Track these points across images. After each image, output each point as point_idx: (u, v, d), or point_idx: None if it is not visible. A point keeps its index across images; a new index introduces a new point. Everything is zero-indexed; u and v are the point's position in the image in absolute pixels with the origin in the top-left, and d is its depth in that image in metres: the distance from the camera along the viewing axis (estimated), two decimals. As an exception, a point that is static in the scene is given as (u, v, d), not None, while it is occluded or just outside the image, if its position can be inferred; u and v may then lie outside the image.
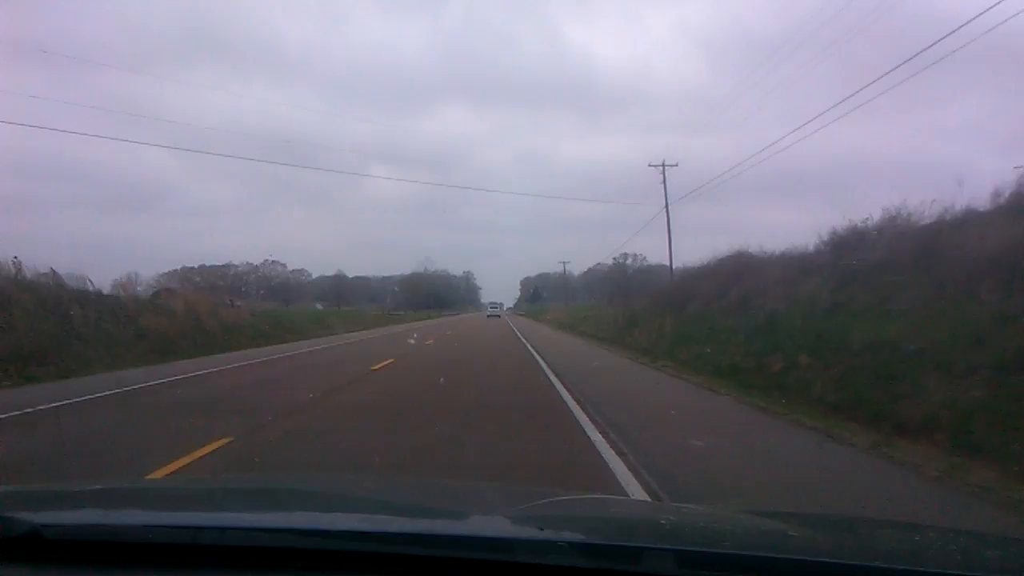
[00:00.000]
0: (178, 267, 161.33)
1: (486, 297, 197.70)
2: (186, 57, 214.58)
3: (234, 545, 1.62)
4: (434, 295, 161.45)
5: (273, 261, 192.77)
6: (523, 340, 35.31)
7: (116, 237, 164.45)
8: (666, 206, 45.01)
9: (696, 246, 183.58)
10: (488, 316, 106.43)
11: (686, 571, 1.49)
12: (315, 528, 1.81)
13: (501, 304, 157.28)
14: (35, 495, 2.46)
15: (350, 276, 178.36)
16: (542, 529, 1.78)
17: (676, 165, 45.21)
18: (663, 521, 2.27)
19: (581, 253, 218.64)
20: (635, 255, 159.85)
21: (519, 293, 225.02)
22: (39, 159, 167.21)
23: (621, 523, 2.22)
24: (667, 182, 44.53)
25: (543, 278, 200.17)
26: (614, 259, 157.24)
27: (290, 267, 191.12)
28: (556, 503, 2.44)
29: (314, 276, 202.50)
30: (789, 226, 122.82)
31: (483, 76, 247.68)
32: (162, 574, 1.57)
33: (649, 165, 45.87)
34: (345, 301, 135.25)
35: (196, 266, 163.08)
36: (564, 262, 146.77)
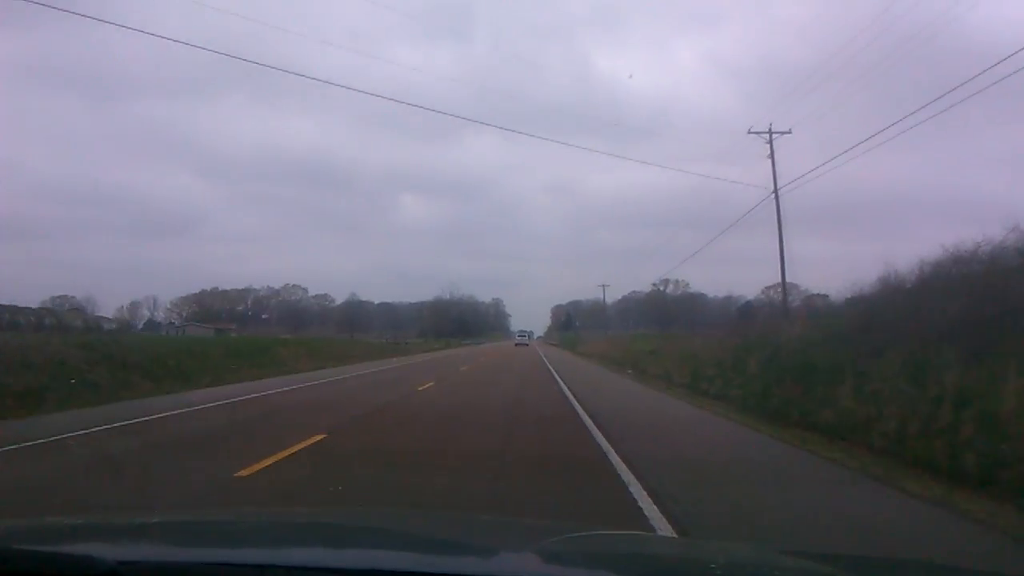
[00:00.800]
0: (196, 290, 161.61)
1: (515, 325, 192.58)
2: (215, 84, 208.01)
3: None
4: (459, 322, 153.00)
5: (294, 286, 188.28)
6: (568, 394, 20.82)
7: (140, 261, 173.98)
8: (775, 190, 33.66)
9: (745, 278, 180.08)
10: (516, 344, 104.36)
11: None
12: (372, 568, 1.84)
13: (530, 332, 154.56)
14: (110, 529, 2.48)
15: (376, 303, 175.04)
16: (551, 564, 1.88)
17: (789, 132, 34.06)
18: (673, 560, 2.21)
19: (613, 281, 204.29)
20: (676, 281, 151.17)
21: (550, 321, 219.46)
22: (64, 184, 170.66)
23: (631, 561, 2.18)
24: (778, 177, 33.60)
25: (575, 305, 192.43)
26: (653, 284, 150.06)
27: (312, 292, 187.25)
28: (576, 539, 2.46)
29: (338, 302, 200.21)
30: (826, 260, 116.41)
31: (512, 104, 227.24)
32: None
33: (749, 132, 34.63)
34: (361, 328, 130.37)
35: (209, 289, 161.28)
36: (604, 285, 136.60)
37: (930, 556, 5.03)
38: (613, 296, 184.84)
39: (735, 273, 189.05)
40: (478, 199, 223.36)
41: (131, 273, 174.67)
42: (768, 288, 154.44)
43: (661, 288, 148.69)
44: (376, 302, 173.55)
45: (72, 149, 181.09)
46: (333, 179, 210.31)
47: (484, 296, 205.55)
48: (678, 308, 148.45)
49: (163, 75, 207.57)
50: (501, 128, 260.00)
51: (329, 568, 1.86)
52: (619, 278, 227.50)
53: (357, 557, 2.07)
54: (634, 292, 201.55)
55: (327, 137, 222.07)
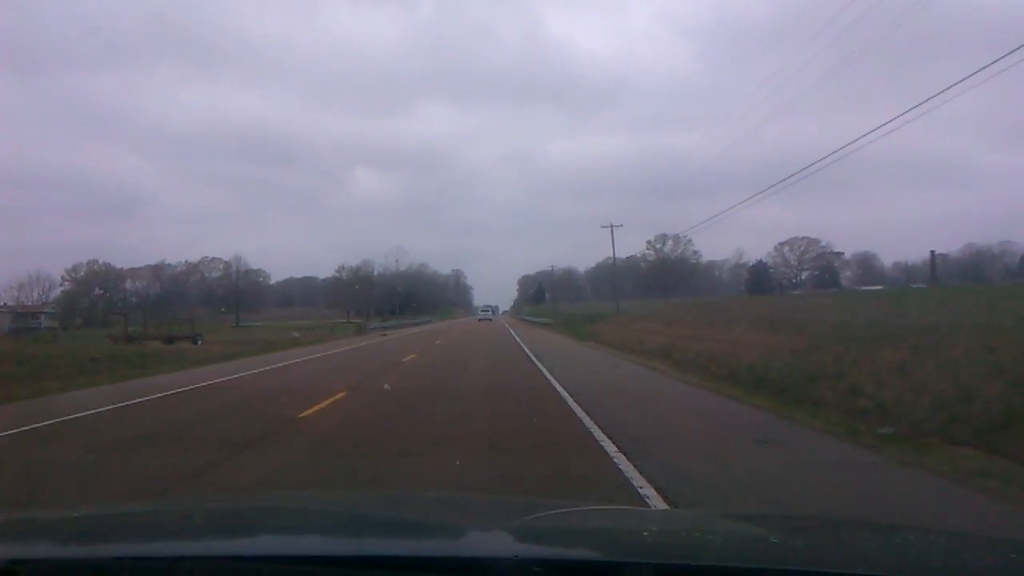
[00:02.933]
0: (83, 261, 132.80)
1: (479, 299, 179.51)
2: (149, 54, 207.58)
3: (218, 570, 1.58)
4: (408, 296, 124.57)
5: (213, 259, 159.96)
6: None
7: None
8: None
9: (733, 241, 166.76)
10: (480, 320, 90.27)
11: None
12: (288, 555, 1.77)
13: (495, 307, 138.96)
14: (10, 526, 2.33)
15: (321, 278, 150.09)
16: (524, 545, 1.82)
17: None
18: (647, 533, 2.20)
19: (580, 251, 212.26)
20: (675, 238, 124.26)
21: (516, 294, 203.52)
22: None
23: (606, 536, 2.18)
24: None
25: (546, 276, 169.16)
26: (648, 243, 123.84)
27: (246, 268, 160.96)
28: (543, 517, 2.39)
29: (277, 280, 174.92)
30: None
31: (463, 71, 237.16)
32: None
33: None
34: (291, 306, 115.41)
35: (86, 263, 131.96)
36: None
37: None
38: (585, 264, 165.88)
39: (723, 237, 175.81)
40: (434, 172, 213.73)
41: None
42: (782, 245, 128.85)
43: (658, 247, 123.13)
44: (322, 278, 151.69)
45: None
46: (281, 154, 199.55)
47: (445, 270, 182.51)
48: (677, 272, 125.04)
49: (92, 44, 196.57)
50: (455, 94, 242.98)
51: (242, 557, 1.75)
52: (586, 248, 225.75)
53: (280, 544, 1.98)
54: (608, 259, 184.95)
55: (272, 110, 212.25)
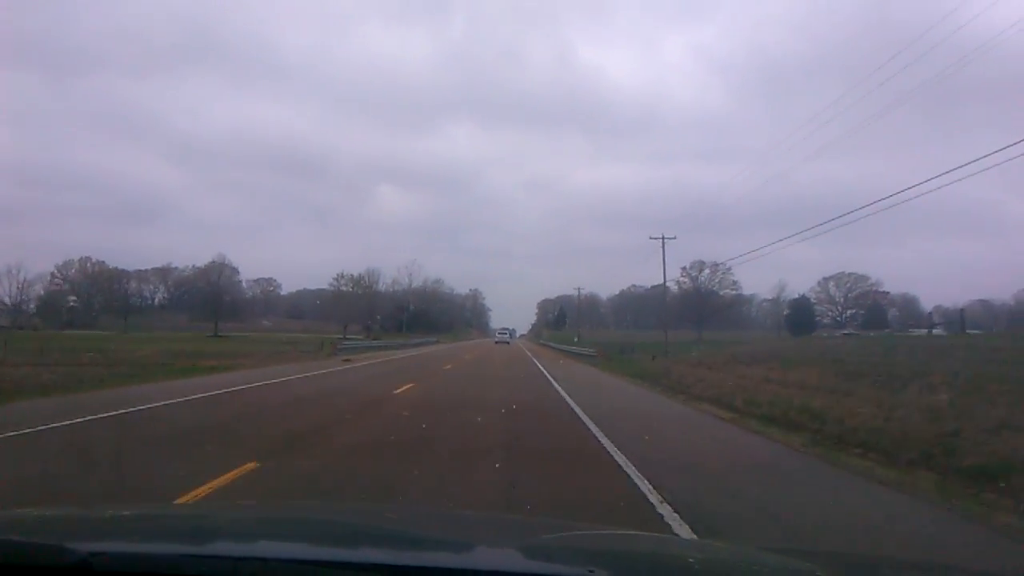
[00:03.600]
0: (75, 258, 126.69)
1: (496, 321, 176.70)
2: (182, 66, 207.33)
3: None
4: (421, 314, 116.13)
5: (220, 264, 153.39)
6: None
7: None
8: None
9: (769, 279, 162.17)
10: (496, 342, 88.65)
11: None
12: (349, 561, 1.84)
13: (513, 331, 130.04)
14: (82, 521, 2.46)
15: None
16: (549, 562, 1.88)
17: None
18: (690, 559, 2.19)
19: (601, 279, 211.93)
20: (714, 266, 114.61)
21: (535, 317, 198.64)
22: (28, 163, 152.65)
23: (635, 559, 2.17)
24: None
25: (567, 301, 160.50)
26: (683, 269, 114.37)
27: (255, 276, 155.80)
28: (568, 537, 2.45)
29: (288, 291, 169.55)
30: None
31: (491, 94, 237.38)
32: None
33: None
34: (299, 317, 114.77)
35: (77, 260, 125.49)
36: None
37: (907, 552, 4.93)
38: (607, 292, 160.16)
39: (751, 273, 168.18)
40: (457, 193, 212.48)
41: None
42: (827, 280, 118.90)
43: (694, 275, 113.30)
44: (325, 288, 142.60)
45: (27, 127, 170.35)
46: (304, 167, 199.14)
47: (462, 289, 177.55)
48: (713, 304, 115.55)
49: (127, 52, 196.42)
50: (482, 117, 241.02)
51: (301, 560, 1.84)
52: (606, 276, 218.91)
53: (331, 552, 2.03)
54: (633, 287, 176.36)
55: (298, 123, 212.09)
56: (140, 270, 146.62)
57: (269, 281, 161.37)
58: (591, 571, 1.73)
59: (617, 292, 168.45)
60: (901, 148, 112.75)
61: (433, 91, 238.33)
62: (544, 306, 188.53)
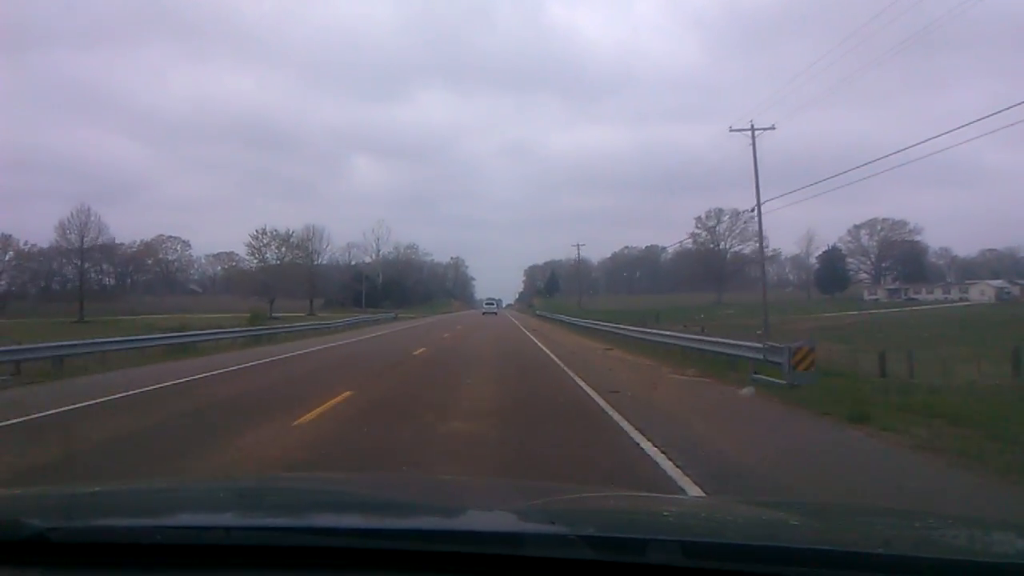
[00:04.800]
0: None
1: (481, 291, 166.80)
2: (135, 33, 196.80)
3: (240, 544, 1.61)
4: (392, 285, 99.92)
5: (170, 238, 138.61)
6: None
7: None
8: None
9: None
10: (484, 313, 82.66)
11: (692, 561, 1.50)
12: (323, 527, 1.82)
13: (499, 300, 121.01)
14: (42, 498, 2.41)
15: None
16: (552, 523, 1.83)
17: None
18: (667, 513, 2.28)
19: (589, 242, 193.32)
20: (735, 213, 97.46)
21: (521, 286, 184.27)
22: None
23: (629, 517, 2.22)
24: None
25: (558, 266, 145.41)
26: (697, 219, 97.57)
27: (216, 251, 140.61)
28: (565, 500, 2.47)
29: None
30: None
31: (461, 57, 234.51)
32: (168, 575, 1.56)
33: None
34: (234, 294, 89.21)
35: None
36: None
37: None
38: (596, 256, 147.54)
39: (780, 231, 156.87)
40: (433, 162, 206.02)
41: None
42: (859, 228, 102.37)
43: (711, 225, 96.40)
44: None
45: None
46: (273, 140, 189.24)
47: (443, 258, 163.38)
48: (735, 261, 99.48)
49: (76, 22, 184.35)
50: (454, 81, 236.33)
51: (265, 528, 1.79)
52: (593, 240, 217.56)
53: (297, 520, 2.00)
54: (627, 248, 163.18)
55: (264, 94, 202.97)
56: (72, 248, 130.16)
57: (230, 256, 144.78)
58: (552, 521, 1.78)
59: (609, 255, 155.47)
60: (885, 99, 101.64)
61: (401, 55, 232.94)
62: (532, 273, 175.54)
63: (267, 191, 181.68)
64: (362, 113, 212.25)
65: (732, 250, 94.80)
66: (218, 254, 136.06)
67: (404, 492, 2.73)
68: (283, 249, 74.64)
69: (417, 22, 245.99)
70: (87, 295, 71.04)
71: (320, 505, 2.24)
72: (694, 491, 5.51)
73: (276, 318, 49.61)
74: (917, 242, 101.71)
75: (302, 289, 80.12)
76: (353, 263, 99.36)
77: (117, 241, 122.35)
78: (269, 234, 77.37)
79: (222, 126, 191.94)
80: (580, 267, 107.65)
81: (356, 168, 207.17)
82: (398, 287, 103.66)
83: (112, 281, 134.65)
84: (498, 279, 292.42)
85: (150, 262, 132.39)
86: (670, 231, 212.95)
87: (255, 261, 73.93)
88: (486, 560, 1.54)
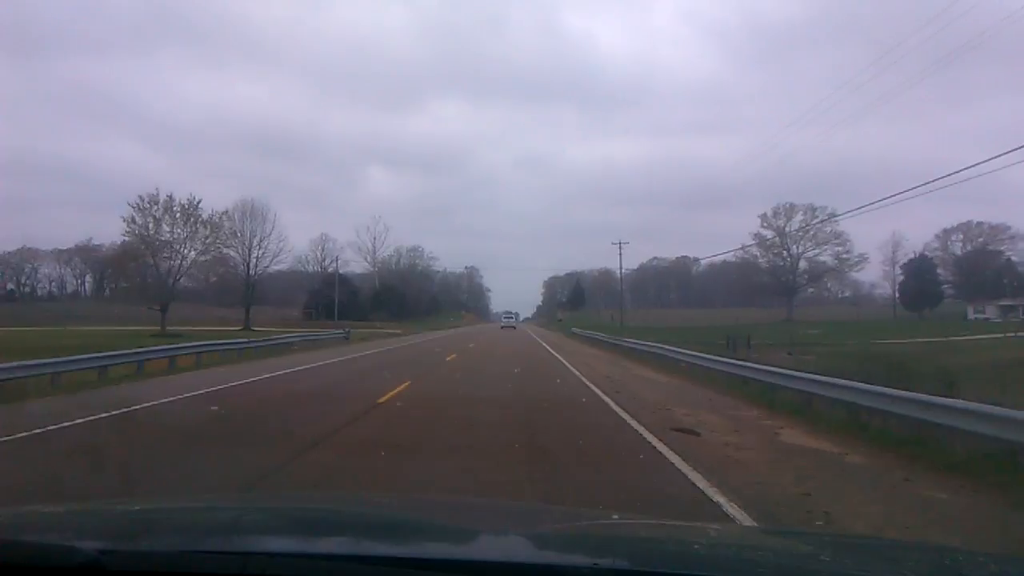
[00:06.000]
0: None
1: (497, 303, 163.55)
2: (150, 41, 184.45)
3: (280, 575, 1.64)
4: (389, 295, 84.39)
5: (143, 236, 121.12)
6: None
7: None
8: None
9: None
10: (502, 327, 75.75)
11: None
12: (355, 554, 1.85)
13: (516, 314, 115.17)
14: (93, 517, 2.42)
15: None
16: (577, 553, 1.86)
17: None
18: (697, 546, 2.21)
19: (610, 255, 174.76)
20: (810, 209, 79.72)
21: (540, 299, 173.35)
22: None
23: (658, 546, 2.19)
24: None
25: (583, 278, 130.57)
26: (762, 216, 80.00)
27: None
28: (591, 526, 2.51)
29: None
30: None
31: (476, 67, 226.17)
32: None
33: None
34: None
35: None
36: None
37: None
38: (621, 267, 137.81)
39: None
40: (451, 173, 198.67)
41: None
42: (948, 232, 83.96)
43: (779, 224, 78.52)
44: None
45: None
46: (289, 149, 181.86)
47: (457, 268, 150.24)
48: (811, 271, 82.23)
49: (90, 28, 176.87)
50: (469, 92, 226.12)
51: (306, 555, 1.81)
52: (613, 253, 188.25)
53: (337, 545, 2.03)
54: (655, 259, 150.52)
55: (280, 103, 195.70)
56: (58, 249, 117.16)
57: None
58: (595, 564, 1.71)
59: (636, 267, 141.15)
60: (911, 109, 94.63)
61: (416, 65, 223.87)
62: (552, 285, 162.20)
63: (281, 201, 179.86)
64: (377, 123, 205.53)
65: (805, 255, 77.99)
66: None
67: (428, 515, 2.69)
68: (193, 227, 49.54)
69: (432, 32, 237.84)
70: None
71: (355, 530, 2.23)
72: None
73: (173, 334, 34.27)
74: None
75: (234, 294, 62.65)
76: (329, 268, 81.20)
77: (95, 242, 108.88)
78: (164, 204, 48.48)
79: (235, 135, 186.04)
80: (617, 276, 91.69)
81: (370, 178, 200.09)
82: (398, 295, 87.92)
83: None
84: (514, 292, 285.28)
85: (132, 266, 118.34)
86: (695, 244, 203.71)
87: (141, 247, 49.00)
88: None
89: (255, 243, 61.12)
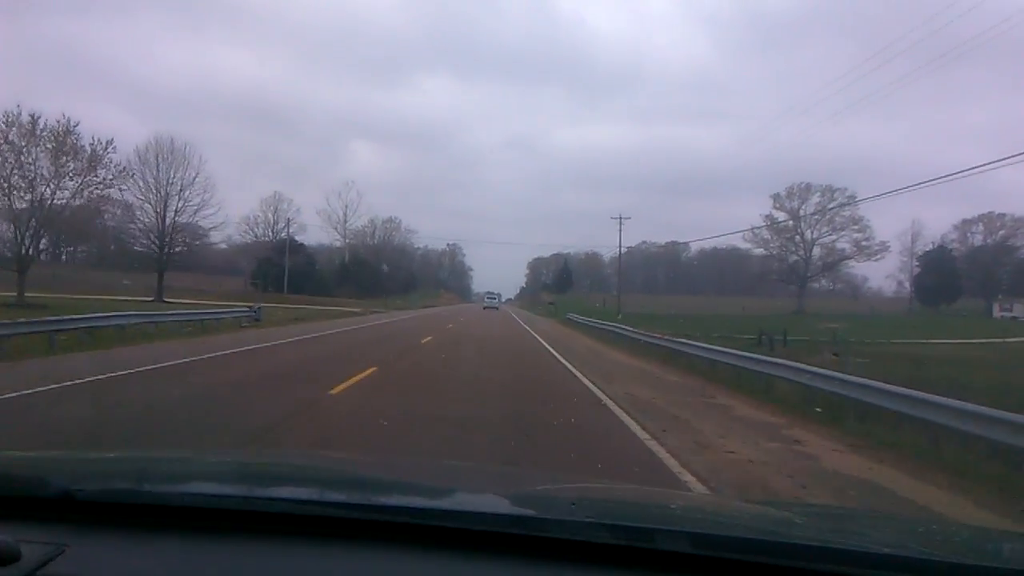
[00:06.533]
0: None
1: (480, 283, 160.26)
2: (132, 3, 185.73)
3: (269, 511, 1.61)
4: (358, 269, 76.85)
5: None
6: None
7: None
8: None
9: None
10: (485, 308, 74.52)
11: (700, 550, 1.52)
12: (336, 501, 1.83)
13: (499, 295, 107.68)
14: (67, 461, 2.43)
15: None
16: (572, 506, 1.87)
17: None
18: (674, 507, 2.28)
19: (598, 239, 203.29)
20: (828, 189, 70.53)
21: (524, 280, 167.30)
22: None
23: (639, 507, 2.24)
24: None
25: (565, 260, 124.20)
26: (775, 196, 71.63)
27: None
28: (572, 488, 2.51)
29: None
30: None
31: (466, 42, 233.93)
32: (195, 538, 1.57)
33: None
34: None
35: None
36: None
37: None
38: (608, 251, 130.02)
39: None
40: (437, 152, 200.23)
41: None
42: (968, 223, 77.96)
43: (793, 206, 70.39)
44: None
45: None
46: (273, 120, 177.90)
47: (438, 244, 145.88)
48: (808, 254, 74.03)
49: None
50: (458, 68, 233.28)
51: (280, 499, 1.77)
52: (599, 238, 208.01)
53: (309, 492, 1.98)
54: (644, 243, 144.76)
55: (265, 73, 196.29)
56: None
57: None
58: (573, 504, 1.77)
59: (624, 251, 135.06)
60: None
61: (404, 39, 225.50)
62: (537, 266, 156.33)
63: (264, 173, 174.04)
64: (363, 97, 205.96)
65: (819, 241, 70.72)
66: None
67: (422, 475, 2.68)
68: (62, 158, 34.02)
69: (423, 7, 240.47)
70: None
71: (335, 482, 2.22)
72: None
73: (32, 305, 26.54)
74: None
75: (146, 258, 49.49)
76: (281, 233, 71.65)
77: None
78: (25, 127, 33.89)
79: (218, 104, 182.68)
80: (604, 260, 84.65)
81: (355, 153, 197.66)
82: (369, 270, 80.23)
83: None
84: (497, 273, 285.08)
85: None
86: (682, 231, 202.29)
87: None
88: (495, 539, 1.57)
89: (173, 192, 48.60)
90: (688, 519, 1.95)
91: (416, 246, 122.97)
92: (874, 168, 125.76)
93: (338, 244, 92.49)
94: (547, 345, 23.89)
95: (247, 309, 25.86)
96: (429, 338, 23.37)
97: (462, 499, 2.10)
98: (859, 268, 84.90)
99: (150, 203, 48.50)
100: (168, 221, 47.86)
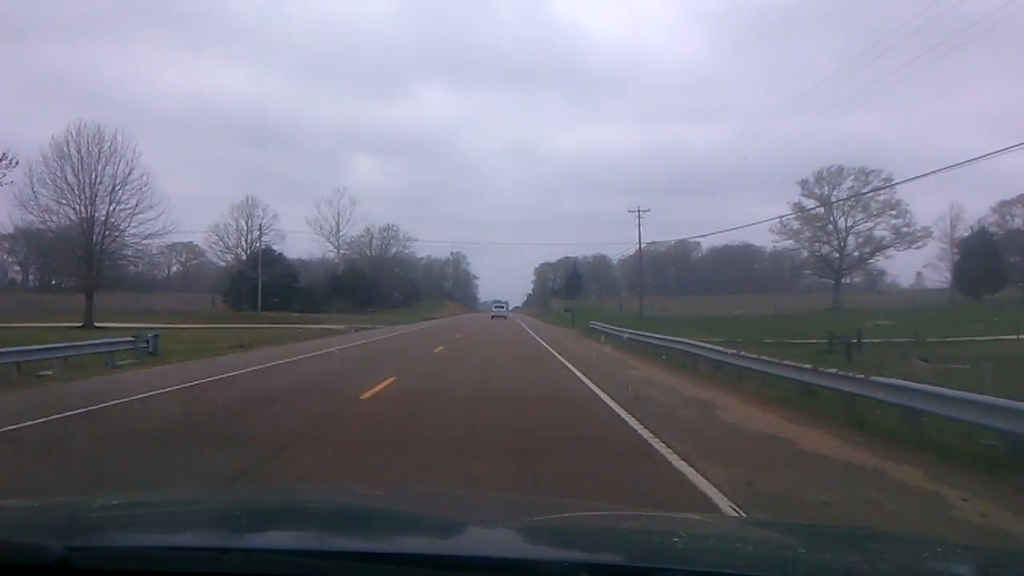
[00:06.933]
0: None
1: (486, 291, 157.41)
2: (125, 24, 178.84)
3: (257, 574, 1.61)
4: (353, 281, 71.73)
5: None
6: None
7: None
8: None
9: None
10: (492, 317, 73.42)
11: None
12: (332, 550, 1.83)
13: (506, 303, 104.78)
14: (62, 512, 2.40)
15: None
16: (556, 547, 1.88)
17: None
18: (677, 539, 2.20)
19: (604, 242, 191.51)
20: (862, 173, 62.10)
21: (531, 287, 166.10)
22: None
23: (640, 539, 2.19)
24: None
25: (574, 264, 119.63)
26: (802, 183, 64.26)
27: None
28: (571, 518, 2.47)
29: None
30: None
31: (461, 51, 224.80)
32: None
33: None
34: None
35: None
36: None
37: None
38: (615, 254, 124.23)
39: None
40: (436, 160, 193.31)
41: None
42: (1005, 204, 72.60)
43: (822, 192, 62.94)
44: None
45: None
46: (268, 136, 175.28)
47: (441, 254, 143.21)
48: (843, 245, 68.25)
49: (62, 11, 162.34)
50: (454, 77, 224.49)
51: (284, 550, 1.77)
52: (604, 241, 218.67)
53: (315, 541, 1.98)
54: (654, 243, 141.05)
55: (260, 89, 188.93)
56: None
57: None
58: (585, 560, 1.72)
59: (632, 251, 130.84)
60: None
61: (401, 51, 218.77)
62: (543, 272, 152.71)
63: (264, 189, 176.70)
64: (362, 110, 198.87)
65: (854, 229, 64.81)
66: (173, 245, 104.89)
67: (408, 508, 2.62)
68: None
69: (417, 17, 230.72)
70: None
71: (333, 524, 2.22)
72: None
73: None
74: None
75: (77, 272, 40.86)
76: (255, 244, 64.26)
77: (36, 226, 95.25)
78: None
79: (215, 123, 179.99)
80: (613, 263, 79.23)
81: (356, 166, 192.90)
82: (365, 282, 74.91)
83: None
84: (503, 280, 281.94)
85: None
86: (689, 230, 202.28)
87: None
88: None
89: (101, 193, 40.55)
90: (687, 552, 1.92)
91: (419, 256, 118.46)
92: (889, 156, 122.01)
93: (331, 256, 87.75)
94: (567, 364, 18.10)
95: (132, 340, 18.71)
96: (391, 379, 15.13)
97: (442, 541, 2.06)
98: (879, 263, 79.46)
99: (72, 206, 41.20)
100: (96, 229, 40.27)
